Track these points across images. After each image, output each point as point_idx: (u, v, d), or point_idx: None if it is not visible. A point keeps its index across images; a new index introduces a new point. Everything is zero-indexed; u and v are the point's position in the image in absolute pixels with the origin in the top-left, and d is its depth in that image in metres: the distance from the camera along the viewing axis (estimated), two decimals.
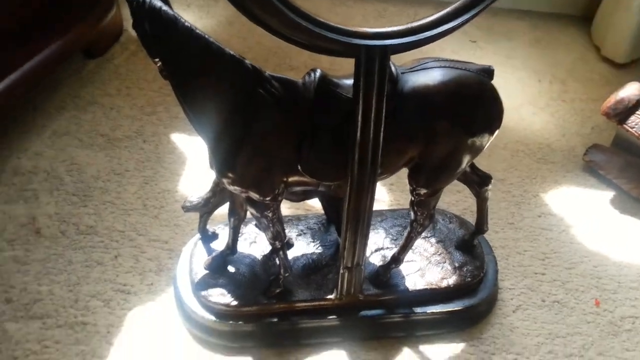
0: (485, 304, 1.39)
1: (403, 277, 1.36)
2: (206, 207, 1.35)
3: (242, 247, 1.40)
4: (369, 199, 1.15)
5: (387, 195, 1.72)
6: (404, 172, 1.22)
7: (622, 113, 1.69)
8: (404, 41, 0.99)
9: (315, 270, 1.37)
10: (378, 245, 1.43)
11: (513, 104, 2.10)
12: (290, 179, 1.16)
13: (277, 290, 1.31)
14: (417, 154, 1.15)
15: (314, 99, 1.08)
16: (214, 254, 1.37)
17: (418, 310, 1.34)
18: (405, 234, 1.30)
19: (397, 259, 1.33)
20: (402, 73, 1.12)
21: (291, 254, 1.38)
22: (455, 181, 1.36)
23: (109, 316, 1.37)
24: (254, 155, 1.09)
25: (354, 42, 0.97)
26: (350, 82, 1.04)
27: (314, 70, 1.10)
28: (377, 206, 1.62)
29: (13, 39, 1.78)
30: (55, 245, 1.51)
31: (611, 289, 1.49)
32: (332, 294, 1.31)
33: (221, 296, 1.30)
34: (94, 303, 1.39)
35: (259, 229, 1.35)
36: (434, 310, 1.34)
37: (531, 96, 2.15)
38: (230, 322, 1.30)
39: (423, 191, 1.21)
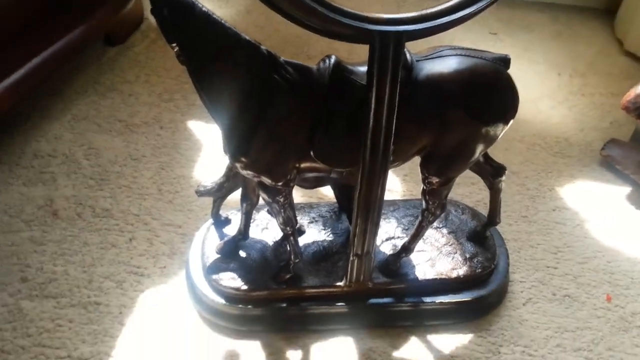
0: (495, 296, 1.39)
1: (413, 266, 1.36)
2: (219, 192, 1.36)
3: (254, 232, 1.41)
4: (381, 187, 1.15)
5: (400, 185, 1.72)
6: (418, 162, 1.22)
7: None
8: (419, 27, 0.99)
9: (325, 258, 1.37)
10: (389, 235, 1.43)
11: (531, 97, 2.08)
12: (303, 165, 1.17)
13: (287, 276, 1.32)
14: (430, 142, 1.16)
15: (329, 85, 1.08)
16: (225, 238, 1.38)
17: (427, 299, 1.34)
18: (417, 223, 1.31)
19: (407, 248, 1.33)
20: (417, 60, 1.12)
21: (302, 240, 1.39)
22: (470, 173, 1.36)
23: (122, 297, 1.39)
24: (267, 141, 1.10)
25: (368, 27, 0.97)
26: (364, 69, 1.05)
27: (328, 56, 1.10)
28: (390, 196, 1.64)
29: (35, 25, 1.81)
30: (71, 227, 1.54)
31: (624, 284, 1.48)
32: (341, 281, 1.32)
33: (232, 280, 1.32)
34: (108, 284, 1.41)
35: (271, 214, 1.36)
36: (443, 301, 1.34)
37: (550, 89, 2.13)
38: (240, 305, 1.32)
39: (435, 180, 1.21)
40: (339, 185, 1.38)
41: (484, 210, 1.46)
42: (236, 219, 1.41)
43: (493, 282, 1.38)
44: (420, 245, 1.38)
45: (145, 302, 1.38)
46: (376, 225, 1.21)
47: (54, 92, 1.97)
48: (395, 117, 1.06)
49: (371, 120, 1.05)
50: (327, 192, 1.63)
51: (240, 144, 1.11)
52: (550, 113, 2.02)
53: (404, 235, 1.41)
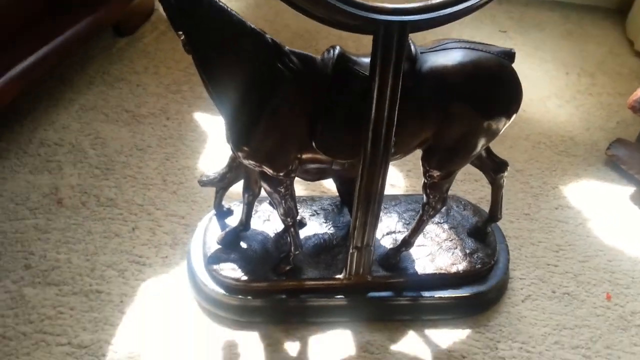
0: (494, 292, 1.39)
1: (413, 260, 1.37)
2: (222, 183, 1.37)
3: (256, 224, 1.42)
4: (381, 179, 1.16)
5: (403, 180, 1.72)
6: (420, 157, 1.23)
7: None
8: (423, 17, 0.99)
9: (325, 250, 1.38)
10: (390, 229, 1.43)
11: (539, 95, 2.08)
12: (304, 156, 1.17)
13: (287, 268, 1.32)
14: (432, 134, 1.16)
15: (332, 76, 1.09)
16: (227, 229, 1.39)
17: (426, 294, 1.34)
18: (417, 217, 1.31)
19: (407, 242, 1.34)
20: (422, 53, 1.12)
21: (303, 233, 1.39)
22: (474, 170, 1.36)
23: (123, 286, 1.40)
24: (269, 130, 1.10)
25: (372, 17, 0.97)
26: (369, 60, 1.04)
27: (333, 47, 1.11)
28: (393, 191, 1.65)
29: (45, 16, 1.83)
30: (75, 216, 1.55)
31: (624, 283, 1.47)
32: (341, 274, 1.33)
33: (232, 271, 1.33)
34: (110, 273, 1.42)
35: (273, 206, 1.37)
36: (442, 295, 1.34)
37: (558, 88, 2.13)
38: (240, 296, 1.32)
39: (436, 173, 1.21)
40: (341, 179, 1.39)
41: (486, 207, 1.46)
42: (238, 210, 1.41)
43: (492, 278, 1.38)
44: (420, 239, 1.38)
45: (147, 292, 1.39)
46: (376, 218, 1.22)
47: (63, 82, 1.98)
48: (397, 108, 1.06)
49: (373, 111, 1.06)
50: (329, 186, 1.63)
51: (242, 133, 1.11)
52: (557, 112, 2.02)
53: (405, 229, 1.41)
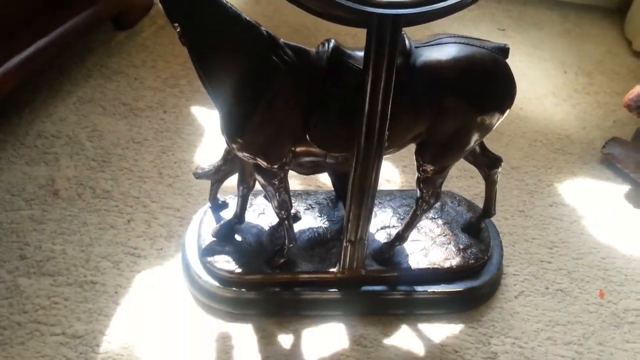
0: (487, 287, 1.39)
1: (406, 255, 1.37)
2: (217, 175, 1.37)
3: (251, 217, 1.42)
4: (375, 172, 1.16)
5: (399, 176, 1.73)
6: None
7: None
8: (417, 11, 0.98)
9: (320, 244, 1.38)
10: (384, 224, 1.44)
11: (536, 93, 2.08)
12: (299, 149, 1.18)
13: (281, 261, 1.33)
14: (425, 129, 1.16)
15: (326, 69, 1.09)
16: (222, 222, 1.39)
17: (419, 288, 1.35)
18: (411, 211, 1.31)
19: (401, 237, 1.34)
20: (416, 47, 1.13)
21: (298, 227, 1.40)
22: (469, 166, 1.36)
23: (118, 277, 1.40)
24: (264, 122, 1.11)
25: (365, 9, 0.97)
26: (363, 53, 1.05)
27: (328, 40, 1.11)
28: (389, 187, 1.65)
29: (46, 6, 1.83)
30: (71, 207, 1.55)
31: (617, 281, 1.48)
32: (335, 268, 1.33)
33: (226, 263, 1.33)
34: (104, 264, 1.43)
35: (267, 199, 1.37)
36: (435, 290, 1.35)
37: (555, 87, 2.13)
38: (234, 289, 1.33)
39: (430, 168, 1.21)
40: (336, 173, 1.39)
41: (481, 203, 1.46)
42: (233, 204, 1.42)
43: (486, 273, 1.39)
44: (414, 234, 1.39)
45: (141, 283, 1.40)
46: (370, 212, 1.22)
47: (62, 74, 1.98)
48: (390, 102, 1.06)
49: (366, 105, 1.06)
50: (325, 181, 1.64)
51: (237, 125, 1.12)
52: (554, 110, 2.02)
53: (399, 224, 1.41)
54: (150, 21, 2.29)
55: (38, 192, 1.58)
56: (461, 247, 1.40)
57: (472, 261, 1.37)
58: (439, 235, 1.42)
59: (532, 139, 1.89)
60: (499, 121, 1.18)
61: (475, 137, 1.18)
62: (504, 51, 1.16)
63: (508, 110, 1.17)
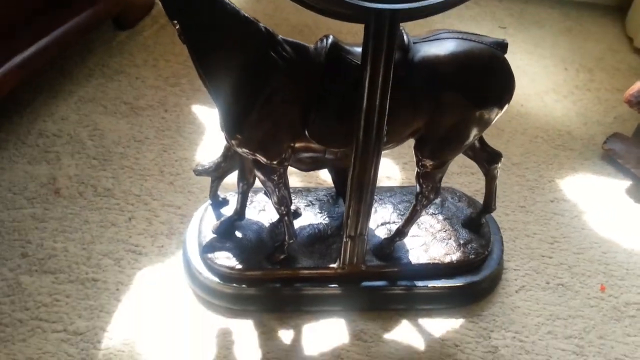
0: (487, 282, 1.39)
1: (407, 250, 1.37)
2: (216, 172, 1.38)
3: (251, 214, 1.43)
4: (374, 168, 1.16)
5: (399, 173, 1.73)
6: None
7: None
8: (415, 6, 0.99)
9: (320, 240, 1.38)
10: (385, 219, 1.44)
11: (537, 90, 2.08)
12: (298, 145, 1.18)
13: (281, 257, 1.33)
14: (424, 124, 1.16)
15: (325, 64, 1.09)
16: (222, 218, 1.40)
17: (419, 283, 1.35)
18: (411, 207, 1.31)
19: (401, 232, 1.34)
20: (415, 43, 1.13)
21: (298, 223, 1.40)
22: (470, 163, 1.37)
23: (119, 274, 1.41)
24: (262, 118, 1.11)
25: (364, 4, 0.97)
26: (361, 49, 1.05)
27: (326, 36, 1.11)
28: (389, 183, 1.65)
29: (47, 5, 1.84)
30: (72, 205, 1.56)
31: (618, 275, 1.48)
32: (335, 263, 1.33)
33: (226, 259, 1.33)
34: (106, 261, 1.43)
35: (267, 196, 1.37)
36: (436, 285, 1.35)
37: (556, 84, 2.13)
38: (234, 285, 1.33)
39: (429, 163, 1.21)
40: (336, 169, 1.39)
41: (482, 199, 1.46)
42: (234, 201, 1.42)
43: (486, 268, 1.39)
44: (414, 230, 1.39)
45: (142, 280, 1.40)
46: (369, 207, 1.22)
47: (63, 74, 1.99)
48: (388, 97, 1.06)
49: (365, 100, 1.06)
50: (325, 178, 1.64)
51: (236, 121, 1.12)
52: (555, 106, 2.02)
53: (400, 220, 1.41)
54: (151, 21, 2.30)
55: (39, 190, 1.59)
56: (461, 242, 1.40)
57: (473, 256, 1.37)
58: (440, 230, 1.42)
59: (533, 135, 1.89)
60: (497, 116, 1.18)
61: (474, 132, 1.18)
62: (502, 46, 1.16)
63: (507, 105, 1.17)
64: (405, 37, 1.10)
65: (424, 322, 1.35)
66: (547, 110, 2.00)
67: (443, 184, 1.30)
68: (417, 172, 1.25)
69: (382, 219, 1.44)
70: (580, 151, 1.85)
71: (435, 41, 1.14)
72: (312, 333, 1.32)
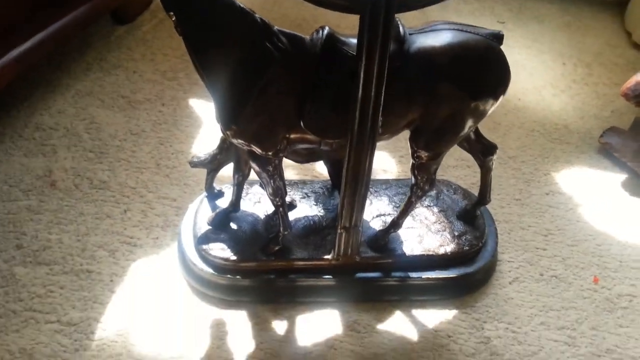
0: (481, 274, 1.39)
1: (401, 242, 1.37)
2: (212, 164, 1.38)
3: (246, 206, 1.43)
4: (369, 159, 1.16)
5: (395, 166, 1.73)
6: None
7: None
8: None
9: (315, 232, 1.39)
10: (380, 211, 1.44)
11: (535, 84, 2.08)
12: (293, 136, 1.18)
13: (276, 248, 1.33)
14: (419, 115, 1.16)
15: (320, 55, 1.09)
16: (217, 210, 1.40)
17: (413, 275, 1.35)
18: (406, 198, 1.31)
19: (396, 224, 1.34)
20: (411, 34, 1.13)
21: (293, 215, 1.40)
22: (466, 156, 1.37)
23: (114, 266, 1.41)
24: (258, 109, 1.11)
25: None
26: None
27: (322, 27, 1.11)
28: (385, 176, 1.65)
29: (43, 2, 1.84)
30: (68, 198, 1.56)
31: (612, 267, 1.48)
32: (329, 255, 1.33)
33: (221, 250, 1.33)
34: (100, 253, 1.43)
35: (262, 187, 1.37)
36: (430, 276, 1.35)
37: (554, 78, 2.13)
38: (229, 276, 1.33)
39: (424, 154, 1.21)
40: (332, 161, 1.40)
41: (477, 192, 1.46)
42: (229, 193, 1.42)
43: (480, 260, 1.39)
44: (409, 222, 1.39)
45: (137, 272, 1.40)
46: (363, 198, 1.22)
47: (61, 68, 2.00)
48: (384, 88, 1.06)
49: (360, 91, 1.06)
50: (321, 171, 1.64)
51: (231, 112, 1.12)
52: (552, 100, 2.02)
53: (395, 212, 1.41)
54: (150, 15, 2.31)
55: (35, 183, 1.59)
56: (456, 234, 1.40)
57: (467, 248, 1.37)
58: (434, 222, 1.42)
59: (529, 128, 1.89)
60: (492, 107, 1.18)
61: (469, 123, 1.18)
62: (498, 38, 1.15)
63: (502, 97, 1.17)
64: (401, 29, 1.10)
65: (418, 313, 1.35)
66: (545, 104, 2.00)
67: (438, 177, 1.30)
68: (412, 164, 1.25)
69: (377, 211, 1.44)
70: (577, 145, 1.85)
71: (431, 32, 1.14)
72: (306, 324, 1.32)
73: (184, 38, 1.06)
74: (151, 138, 1.75)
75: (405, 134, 1.23)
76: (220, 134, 1.29)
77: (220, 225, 1.39)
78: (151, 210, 1.54)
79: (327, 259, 1.34)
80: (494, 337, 1.31)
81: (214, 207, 1.44)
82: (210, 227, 1.39)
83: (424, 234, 1.40)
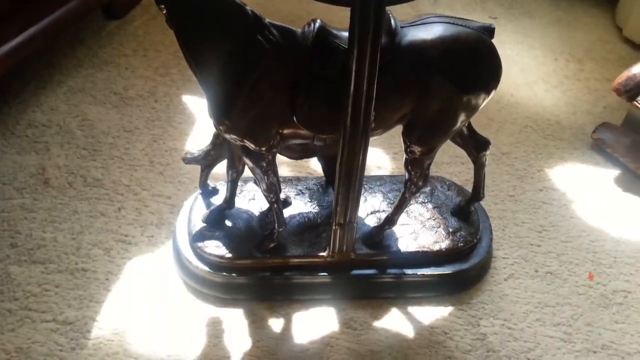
0: (476, 270, 1.40)
1: (396, 238, 1.38)
2: (206, 160, 1.37)
3: (241, 203, 1.43)
4: (362, 154, 1.16)
5: (390, 163, 1.73)
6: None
7: (633, 89, 1.67)
8: None
9: (310, 229, 1.39)
10: (374, 208, 1.44)
11: (527, 80, 2.09)
12: (286, 131, 1.18)
13: (271, 245, 1.33)
14: (411, 109, 1.16)
15: (312, 48, 1.09)
16: (212, 207, 1.39)
17: (409, 271, 1.35)
18: (400, 194, 1.32)
19: (390, 220, 1.35)
20: (402, 27, 1.13)
21: (288, 212, 1.40)
22: (460, 153, 1.37)
23: (109, 264, 1.41)
24: (250, 103, 1.11)
25: None
26: None
27: (314, 20, 1.11)
28: (379, 173, 1.65)
29: None
30: (62, 196, 1.55)
31: (606, 263, 1.49)
32: (324, 252, 1.33)
33: (216, 248, 1.33)
34: (95, 251, 1.43)
35: (257, 183, 1.37)
36: (425, 273, 1.35)
37: (546, 74, 2.13)
38: (224, 273, 1.33)
39: (417, 149, 1.21)
40: (326, 158, 1.39)
41: (471, 188, 1.47)
42: (224, 190, 1.42)
43: (475, 256, 1.39)
44: (404, 219, 1.39)
45: (132, 270, 1.40)
46: (358, 193, 1.22)
47: (52, 65, 1.98)
48: (375, 81, 1.06)
49: (352, 84, 1.06)
50: (316, 167, 1.64)
51: (223, 107, 1.12)
52: (544, 96, 2.03)
53: (389, 209, 1.42)
54: (141, 11, 2.29)
55: (29, 180, 1.58)
56: (450, 230, 1.40)
57: (462, 244, 1.38)
58: (429, 219, 1.43)
59: (522, 125, 1.89)
60: (484, 101, 1.18)
61: (461, 118, 1.18)
62: (489, 31, 1.16)
63: (494, 91, 1.18)
64: (392, 22, 1.11)
65: (414, 310, 1.35)
66: (537, 100, 2.00)
67: (432, 173, 1.30)
68: (406, 159, 1.25)
69: (371, 208, 1.44)
70: (570, 140, 1.85)
71: (423, 25, 1.14)
72: (302, 321, 1.33)
73: (175, 31, 1.05)
74: (144, 135, 1.74)
75: (399, 130, 1.23)
76: (214, 130, 1.29)
77: (215, 222, 1.38)
78: (145, 208, 1.54)
79: (323, 256, 1.34)
80: (490, 334, 1.31)
81: (208, 205, 1.43)
82: (205, 225, 1.38)
83: (419, 230, 1.40)
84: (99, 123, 1.77)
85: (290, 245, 1.35)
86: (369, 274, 1.36)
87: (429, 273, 1.35)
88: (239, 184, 1.41)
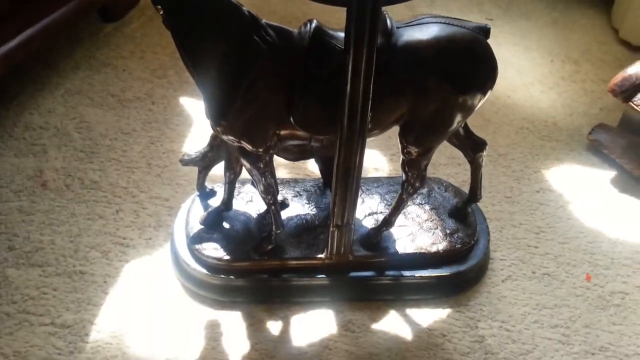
0: (474, 272, 1.40)
1: (394, 240, 1.38)
2: (203, 162, 1.37)
3: (239, 205, 1.43)
4: (359, 154, 1.16)
5: (387, 164, 1.73)
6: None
7: (629, 90, 1.68)
8: None
9: (307, 230, 1.39)
10: (372, 210, 1.44)
11: (523, 81, 2.09)
12: (283, 132, 1.18)
13: (269, 247, 1.33)
14: (408, 110, 1.16)
15: (308, 48, 1.09)
16: (209, 209, 1.39)
17: (407, 273, 1.35)
18: (397, 196, 1.32)
19: (388, 222, 1.35)
20: (398, 28, 1.13)
21: (285, 214, 1.40)
22: (457, 154, 1.37)
23: (107, 267, 1.41)
24: (247, 105, 1.11)
25: None
26: None
27: (310, 20, 1.11)
28: (377, 174, 1.65)
29: None
30: (59, 198, 1.55)
31: (604, 264, 1.49)
32: (322, 254, 1.33)
33: (214, 250, 1.33)
34: (93, 254, 1.43)
35: (254, 185, 1.37)
36: (423, 275, 1.36)
37: (542, 75, 2.14)
38: (222, 276, 1.33)
39: (414, 150, 1.22)
40: (323, 160, 1.40)
41: (468, 190, 1.47)
42: (221, 192, 1.42)
43: (473, 258, 1.40)
44: (401, 220, 1.39)
45: (130, 272, 1.40)
46: (355, 195, 1.22)
47: (49, 67, 1.98)
48: (372, 81, 1.06)
49: (348, 85, 1.06)
50: (313, 169, 1.64)
51: (220, 108, 1.12)
52: (541, 98, 2.03)
53: (387, 210, 1.42)
54: (138, 13, 2.29)
55: (26, 183, 1.58)
56: (448, 231, 1.40)
57: (459, 246, 1.38)
58: (426, 220, 1.43)
59: (519, 126, 1.90)
60: (480, 102, 1.18)
61: (457, 118, 1.18)
62: (485, 31, 1.16)
63: (490, 91, 1.18)
64: (388, 22, 1.11)
65: (412, 312, 1.36)
66: (533, 102, 2.01)
67: (429, 175, 1.30)
68: (403, 160, 1.26)
69: (369, 209, 1.44)
70: (566, 142, 1.86)
71: (418, 26, 1.14)
72: (301, 324, 1.33)
73: (172, 32, 1.06)
74: (142, 137, 1.74)
75: (396, 131, 1.23)
76: (211, 132, 1.29)
77: (213, 224, 1.39)
78: (143, 211, 1.54)
79: (320, 258, 1.34)
80: (488, 336, 1.32)
81: (206, 207, 1.43)
82: (202, 227, 1.38)
83: (416, 232, 1.40)
84: (96, 125, 1.77)
85: (288, 247, 1.35)
86: (367, 275, 1.36)
87: (426, 275, 1.36)
88: (237, 185, 1.41)
